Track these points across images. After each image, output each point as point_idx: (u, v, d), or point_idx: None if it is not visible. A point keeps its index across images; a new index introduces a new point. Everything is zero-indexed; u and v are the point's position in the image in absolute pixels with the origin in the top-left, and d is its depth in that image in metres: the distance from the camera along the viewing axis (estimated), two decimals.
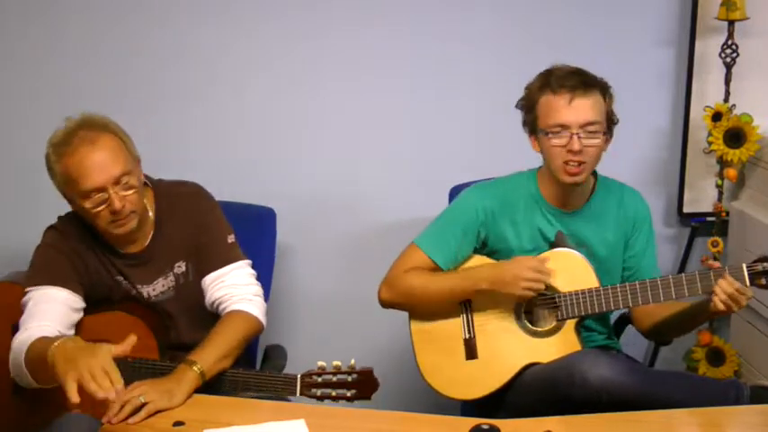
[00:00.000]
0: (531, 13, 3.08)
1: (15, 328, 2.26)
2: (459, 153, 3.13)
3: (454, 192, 2.73)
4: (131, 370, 2.22)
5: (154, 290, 2.37)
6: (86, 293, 2.31)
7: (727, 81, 3.03)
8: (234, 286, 2.34)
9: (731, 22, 2.97)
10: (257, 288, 2.38)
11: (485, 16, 3.08)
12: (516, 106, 2.41)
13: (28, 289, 2.26)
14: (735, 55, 3.00)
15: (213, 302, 2.35)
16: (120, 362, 2.24)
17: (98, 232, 2.30)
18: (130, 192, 2.22)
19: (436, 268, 2.44)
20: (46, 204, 3.03)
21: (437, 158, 3.13)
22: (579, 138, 2.28)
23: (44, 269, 2.28)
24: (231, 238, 2.40)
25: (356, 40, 3.07)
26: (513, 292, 2.33)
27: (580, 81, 2.30)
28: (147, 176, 2.38)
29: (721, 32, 3.01)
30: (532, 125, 2.37)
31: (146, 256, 2.36)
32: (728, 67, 3.02)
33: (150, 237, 2.36)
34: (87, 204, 2.20)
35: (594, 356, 2.23)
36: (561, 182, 2.35)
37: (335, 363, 2.09)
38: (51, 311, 2.21)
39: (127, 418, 1.99)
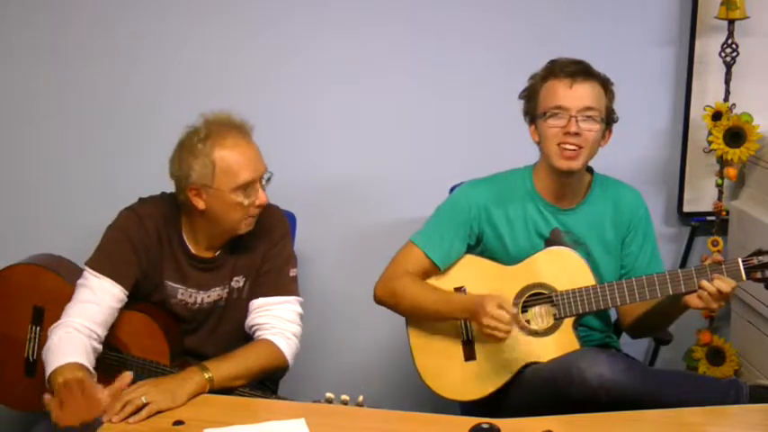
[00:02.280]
0: (532, 12, 3.08)
1: (36, 310, 2.34)
2: (460, 152, 3.13)
3: (454, 191, 2.73)
4: (137, 370, 2.24)
5: (208, 297, 2.39)
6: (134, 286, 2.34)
7: (727, 80, 3.03)
8: (277, 318, 2.35)
9: (731, 22, 2.96)
10: (298, 328, 2.38)
11: (485, 16, 3.08)
12: (519, 97, 2.43)
13: (89, 270, 2.29)
14: (735, 54, 3.00)
15: (252, 326, 2.37)
16: (129, 361, 2.26)
17: (178, 225, 2.34)
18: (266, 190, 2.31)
19: (432, 265, 2.44)
20: (45, 199, 3.09)
21: (437, 157, 3.13)
22: (577, 121, 2.30)
23: (110, 257, 2.30)
24: (293, 272, 2.42)
25: (356, 40, 3.07)
26: (480, 329, 2.31)
27: (582, 68, 2.34)
28: None
29: (721, 32, 3.00)
30: (533, 113, 2.39)
31: (214, 264, 2.38)
32: (728, 66, 3.01)
33: (224, 246, 2.38)
34: (238, 197, 2.25)
35: (593, 355, 2.23)
36: (556, 168, 2.35)
37: (344, 396, 2.06)
38: (96, 312, 2.24)
39: (127, 417, 2.00)
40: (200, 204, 2.27)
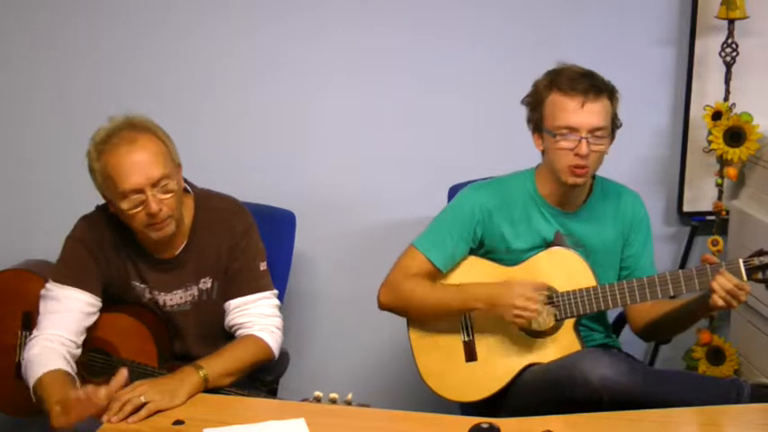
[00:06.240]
0: (532, 12, 3.08)
1: (26, 315, 2.35)
2: (460, 153, 3.13)
3: (453, 191, 2.72)
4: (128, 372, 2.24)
5: (171, 299, 2.37)
6: (104, 291, 2.33)
7: (727, 80, 3.02)
8: (258, 315, 2.34)
9: (731, 21, 2.96)
10: (279, 321, 2.38)
11: (485, 16, 3.08)
12: (522, 102, 2.41)
13: (52, 283, 2.28)
14: (735, 54, 2.99)
15: (233, 326, 2.36)
16: (116, 363, 2.27)
17: (133, 232, 2.30)
18: (168, 196, 2.21)
19: (435, 270, 2.43)
20: (43, 200, 3.09)
21: (437, 158, 3.13)
22: (588, 142, 2.28)
23: (70, 267, 2.29)
24: (263, 266, 2.39)
25: (357, 40, 3.07)
26: (504, 317, 2.32)
27: (592, 85, 2.29)
28: (188, 183, 2.37)
29: (721, 31, 3.00)
30: (537, 123, 2.36)
31: (173, 264, 2.35)
32: (728, 66, 3.01)
33: (182, 246, 2.34)
34: (124, 205, 2.18)
35: (596, 356, 2.23)
36: (564, 182, 2.35)
37: (332, 395, 2.05)
38: (67, 320, 2.24)
39: (127, 417, 2.00)
40: (111, 209, 2.26)
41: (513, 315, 2.30)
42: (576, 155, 2.28)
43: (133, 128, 2.21)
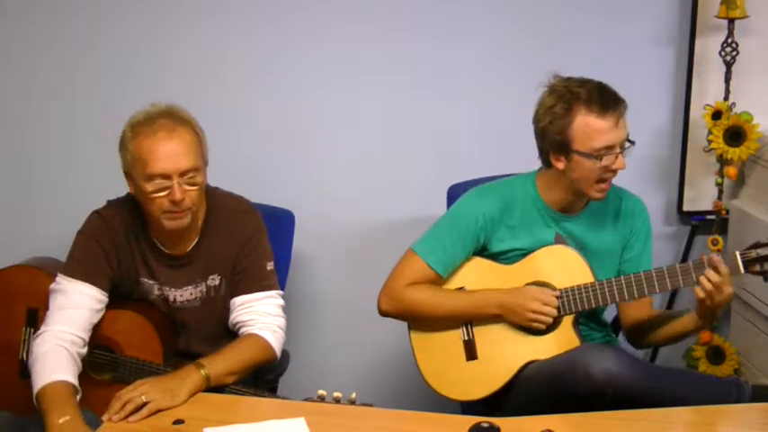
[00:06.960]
0: (532, 12, 3.08)
1: (30, 311, 2.36)
2: (459, 153, 3.13)
3: (453, 191, 2.72)
4: (129, 370, 2.23)
5: (181, 295, 2.38)
6: (112, 287, 2.34)
7: (727, 79, 3.02)
8: (261, 314, 2.35)
9: (731, 21, 2.96)
10: (282, 321, 2.39)
11: (485, 16, 3.08)
12: (539, 124, 2.35)
13: (61, 276, 2.29)
14: (735, 53, 3.00)
15: (236, 324, 2.37)
16: (121, 360, 2.27)
17: (146, 223, 2.32)
18: (194, 188, 2.23)
19: (435, 275, 2.43)
20: (46, 199, 3.09)
21: (437, 158, 3.13)
22: (621, 155, 2.30)
23: (81, 262, 2.31)
24: (270, 266, 2.40)
25: (356, 40, 3.07)
26: (521, 322, 2.36)
27: (618, 100, 2.30)
28: None
29: (721, 31, 3.00)
30: (563, 145, 2.31)
31: (184, 261, 2.36)
32: (728, 65, 3.01)
33: (194, 243, 2.36)
34: (149, 187, 2.20)
35: (599, 351, 2.24)
36: (591, 198, 2.36)
37: (336, 394, 2.05)
38: (75, 317, 2.25)
39: (127, 416, 2.01)
40: (131, 189, 2.28)
41: (528, 319, 2.33)
42: (612, 170, 2.31)
43: (173, 117, 2.25)
